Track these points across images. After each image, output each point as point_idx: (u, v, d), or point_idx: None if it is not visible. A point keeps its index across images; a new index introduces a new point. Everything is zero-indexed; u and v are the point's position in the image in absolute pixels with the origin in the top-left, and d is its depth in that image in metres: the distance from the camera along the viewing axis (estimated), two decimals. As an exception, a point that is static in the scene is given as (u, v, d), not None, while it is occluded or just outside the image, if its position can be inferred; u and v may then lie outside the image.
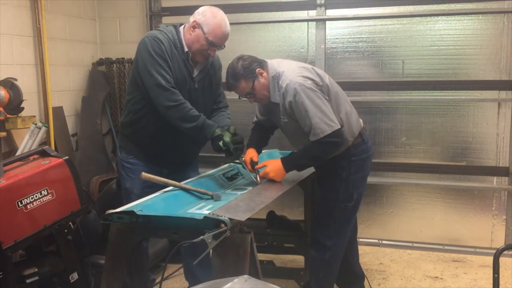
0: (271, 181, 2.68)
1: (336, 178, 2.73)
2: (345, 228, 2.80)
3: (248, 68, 2.62)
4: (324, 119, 2.51)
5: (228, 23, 2.67)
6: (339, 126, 2.55)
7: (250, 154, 2.78)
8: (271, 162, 2.70)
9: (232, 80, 2.65)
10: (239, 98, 2.75)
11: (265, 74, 2.65)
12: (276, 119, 2.77)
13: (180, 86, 2.67)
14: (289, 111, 2.60)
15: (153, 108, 2.67)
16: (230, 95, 2.94)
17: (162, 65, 2.60)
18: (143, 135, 2.83)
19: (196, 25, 2.65)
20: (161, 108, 2.62)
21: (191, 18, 2.68)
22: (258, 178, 2.69)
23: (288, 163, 2.66)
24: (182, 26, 2.75)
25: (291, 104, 2.56)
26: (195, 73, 2.77)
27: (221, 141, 2.59)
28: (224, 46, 2.71)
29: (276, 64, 2.68)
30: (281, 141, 3.10)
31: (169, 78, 2.61)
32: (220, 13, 2.67)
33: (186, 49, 2.70)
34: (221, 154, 2.68)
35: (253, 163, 2.73)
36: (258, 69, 2.64)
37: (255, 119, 2.98)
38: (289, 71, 2.62)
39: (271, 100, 2.68)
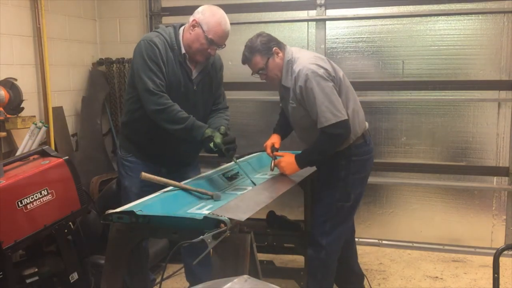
0: (270, 180, 2.68)
1: (335, 177, 2.73)
2: (341, 227, 2.78)
3: (266, 44, 2.69)
4: (330, 108, 2.53)
5: (228, 21, 2.67)
6: (346, 117, 2.56)
7: (273, 139, 2.88)
8: (287, 155, 2.77)
9: (248, 53, 2.71)
10: (251, 74, 2.79)
11: (281, 54, 2.71)
12: (285, 105, 2.81)
13: (175, 90, 2.66)
14: (298, 96, 2.63)
15: None
16: (230, 95, 2.93)
17: (153, 70, 2.59)
18: (140, 134, 2.83)
19: (195, 24, 2.63)
20: (149, 112, 2.63)
21: (191, 18, 2.67)
22: (272, 164, 2.77)
23: (301, 159, 2.71)
24: (182, 27, 2.74)
25: (301, 89, 2.59)
26: (194, 74, 2.76)
27: (212, 143, 2.56)
28: (225, 45, 2.71)
29: (294, 50, 2.75)
30: (281, 141, 3.10)
31: (159, 82, 2.60)
32: (219, 11, 2.66)
33: (183, 51, 2.69)
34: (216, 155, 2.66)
35: (274, 149, 2.82)
36: (275, 48, 2.70)
37: (280, 104, 3.01)
38: (304, 58, 2.67)
39: (282, 83, 2.72)
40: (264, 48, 2.68)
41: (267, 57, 2.69)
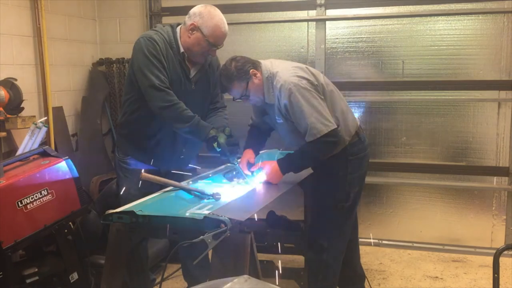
0: (269, 182, 2.64)
1: (332, 177, 2.70)
2: (342, 228, 2.76)
3: (242, 69, 2.58)
4: (320, 119, 2.49)
5: (225, 21, 2.66)
6: (335, 126, 2.52)
7: (247, 155, 2.76)
8: (267, 164, 2.66)
9: (226, 81, 2.62)
10: (233, 100, 2.72)
11: (259, 75, 2.61)
12: (271, 120, 2.74)
13: (176, 87, 2.65)
14: (284, 111, 2.57)
15: (149, 108, 2.65)
16: (228, 95, 2.93)
17: (156, 66, 2.58)
18: (139, 135, 2.82)
19: (194, 28, 2.62)
20: (155, 108, 2.60)
21: (188, 20, 2.65)
22: (254, 181, 2.65)
23: (285, 165, 2.63)
24: (179, 27, 2.73)
25: (286, 104, 2.53)
26: (192, 73, 2.75)
27: (216, 143, 2.56)
28: (223, 44, 2.70)
29: (270, 65, 2.65)
30: (281, 141, 3.10)
31: (164, 78, 2.59)
32: (217, 12, 2.65)
33: (182, 50, 2.68)
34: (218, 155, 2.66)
35: (250, 165, 2.70)
36: (251, 70, 2.60)
37: (250, 121, 2.97)
38: (283, 71, 2.59)
39: (266, 101, 2.64)
40: (240, 74, 2.57)
41: (246, 81, 2.58)
